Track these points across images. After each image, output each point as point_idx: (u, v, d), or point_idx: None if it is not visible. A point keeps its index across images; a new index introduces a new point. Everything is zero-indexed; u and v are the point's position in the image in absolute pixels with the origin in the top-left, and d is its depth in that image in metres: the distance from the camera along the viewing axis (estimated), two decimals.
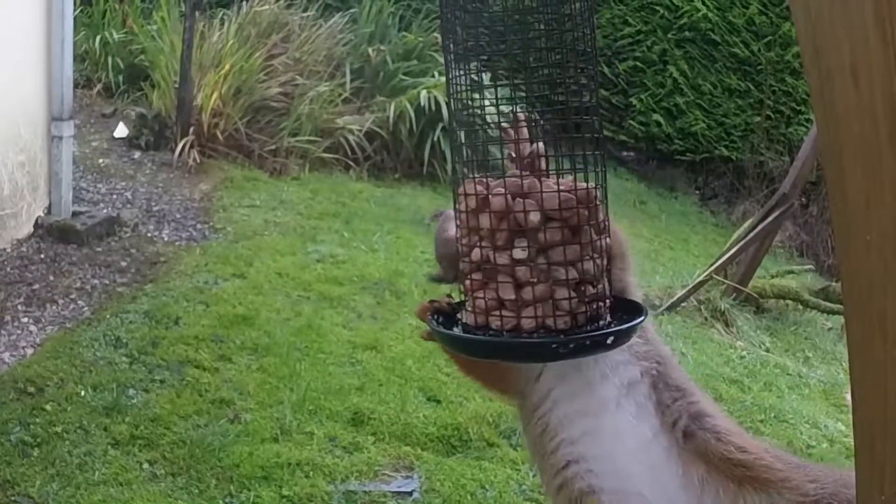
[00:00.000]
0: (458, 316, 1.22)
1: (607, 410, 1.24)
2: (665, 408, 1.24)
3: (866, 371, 0.78)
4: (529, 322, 1.12)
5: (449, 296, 1.28)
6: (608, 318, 1.17)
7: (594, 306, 1.15)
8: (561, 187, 1.15)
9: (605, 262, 1.17)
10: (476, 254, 1.15)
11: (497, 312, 1.14)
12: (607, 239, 1.18)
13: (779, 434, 4.02)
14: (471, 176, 1.19)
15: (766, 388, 4.59)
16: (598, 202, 1.16)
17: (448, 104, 1.26)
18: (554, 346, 1.11)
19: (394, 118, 7.28)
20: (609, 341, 1.13)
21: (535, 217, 1.12)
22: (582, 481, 1.23)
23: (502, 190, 1.14)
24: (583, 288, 1.14)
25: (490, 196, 1.14)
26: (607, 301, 1.18)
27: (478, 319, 1.16)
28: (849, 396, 0.83)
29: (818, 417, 4.28)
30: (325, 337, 4.23)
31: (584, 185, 1.16)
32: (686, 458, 1.22)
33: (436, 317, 1.23)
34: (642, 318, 1.17)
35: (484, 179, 1.17)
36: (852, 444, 0.82)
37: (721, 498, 1.20)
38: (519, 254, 1.12)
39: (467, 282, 1.17)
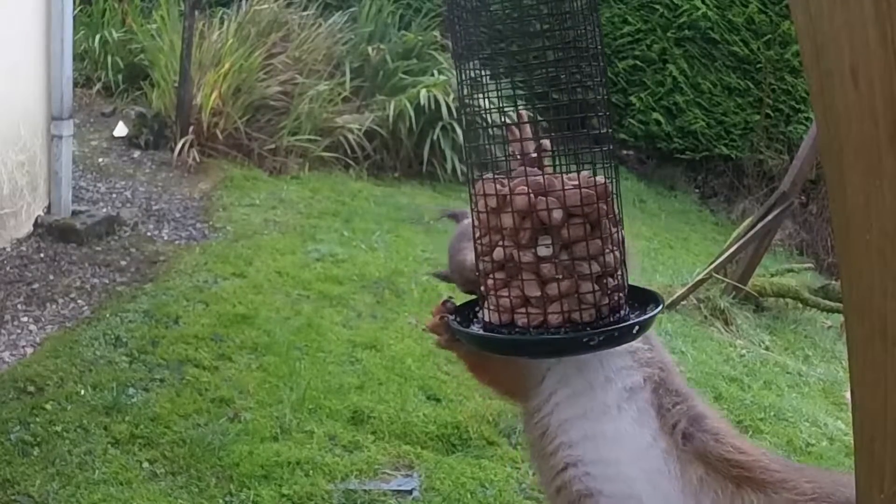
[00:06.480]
0: (478, 314, 1.24)
1: (608, 415, 1.25)
2: (666, 412, 1.25)
3: (866, 370, 0.78)
4: (556, 317, 1.14)
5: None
6: (626, 308, 1.20)
7: (615, 297, 1.18)
8: (578, 183, 1.16)
9: (622, 253, 1.20)
10: (498, 253, 1.16)
11: (523, 309, 1.15)
12: (622, 230, 1.20)
13: (778, 432, 4.02)
14: (487, 175, 1.20)
15: (765, 386, 4.59)
16: (613, 195, 1.19)
17: (459, 105, 1.29)
18: (584, 339, 1.14)
19: (393, 117, 7.28)
20: (635, 331, 1.16)
21: (558, 214, 1.14)
22: (580, 484, 1.24)
23: (525, 189, 1.15)
24: (605, 280, 1.17)
25: (513, 195, 1.15)
26: (625, 291, 1.21)
27: (502, 318, 1.17)
28: (848, 395, 0.83)
29: (818, 416, 4.28)
30: (324, 336, 4.22)
31: (602, 179, 1.19)
32: (685, 460, 1.23)
33: (454, 318, 1.24)
34: (661, 306, 1.21)
35: (501, 178, 1.19)
36: (852, 442, 0.82)
37: (720, 498, 1.21)
38: (543, 251, 1.14)
39: (489, 281, 1.18)
